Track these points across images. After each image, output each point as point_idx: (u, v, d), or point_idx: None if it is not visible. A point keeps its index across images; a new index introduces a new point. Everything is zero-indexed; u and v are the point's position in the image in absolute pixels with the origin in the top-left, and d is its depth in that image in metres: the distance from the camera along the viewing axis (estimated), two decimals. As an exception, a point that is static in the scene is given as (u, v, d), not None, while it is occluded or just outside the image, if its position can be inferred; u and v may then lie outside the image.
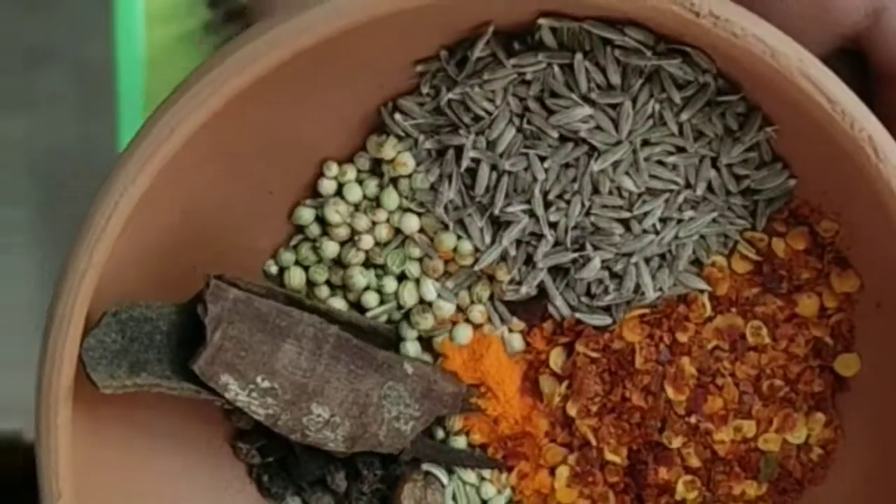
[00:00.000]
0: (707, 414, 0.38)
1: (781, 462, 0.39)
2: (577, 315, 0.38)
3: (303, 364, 0.36)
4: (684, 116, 0.35)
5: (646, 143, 0.36)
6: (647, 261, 0.37)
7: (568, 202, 0.36)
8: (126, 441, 0.37)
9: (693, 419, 0.38)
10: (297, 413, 0.36)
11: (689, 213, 0.37)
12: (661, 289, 0.37)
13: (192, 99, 0.33)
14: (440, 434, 0.40)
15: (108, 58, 0.63)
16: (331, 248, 0.39)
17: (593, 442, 0.39)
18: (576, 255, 0.37)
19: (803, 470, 0.39)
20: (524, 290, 0.38)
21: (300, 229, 0.39)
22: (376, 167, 0.38)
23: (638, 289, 0.37)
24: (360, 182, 0.38)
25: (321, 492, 0.40)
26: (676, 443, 0.38)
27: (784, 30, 0.34)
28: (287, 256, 0.39)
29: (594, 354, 0.38)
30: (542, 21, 0.34)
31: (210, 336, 0.34)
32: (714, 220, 0.37)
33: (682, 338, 0.38)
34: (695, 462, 0.38)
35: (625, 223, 0.37)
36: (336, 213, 0.38)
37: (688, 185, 0.36)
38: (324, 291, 0.39)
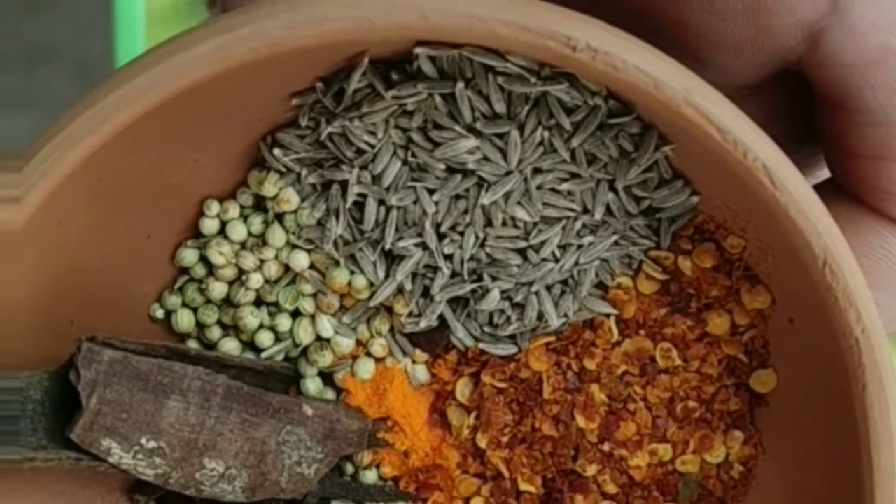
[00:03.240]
0: (620, 440, 0.37)
1: (702, 482, 0.37)
2: (481, 345, 0.36)
3: (191, 419, 0.34)
4: (575, 142, 0.33)
5: (537, 171, 0.34)
6: (549, 288, 0.35)
7: (461, 234, 0.35)
8: (10, 496, 0.35)
9: (606, 446, 0.37)
10: (190, 469, 0.35)
11: (588, 239, 0.35)
12: (565, 315, 0.36)
13: (58, 148, 0.30)
14: (349, 469, 0.38)
15: (107, 58, 0.63)
16: (218, 289, 0.37)
17: (505, 473, 0.37)
18: (474, 286, 0.35)
19: (724, 488, 0.38)
20: (424, 322, 0.36)
21: (185, 270, 0.37)
22: (261, 202, 0.36)
23: (541, 317, 0.36)
24: (244, 218, 0.36)
25: (227, 538, 0.38)
26: (591, 471, 0.37)
27: (722, 53, 0.32)
28: (173, 300, 0.37)
29: (501, 385, 0.37)
30: (418, 50, 0.32)
31: (85, 402, 0.33)
32: (616, 243, 0.35)
33: (590, 364, 0.36)
34: (612, 488, 0.37)
35: (522, 253, 0.35)
36: (219, 254, 0.36)
37: (585, 211, 0.34)
38: (215, 333, 0.37)
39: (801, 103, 0.35)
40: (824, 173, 0.37)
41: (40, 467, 0.33)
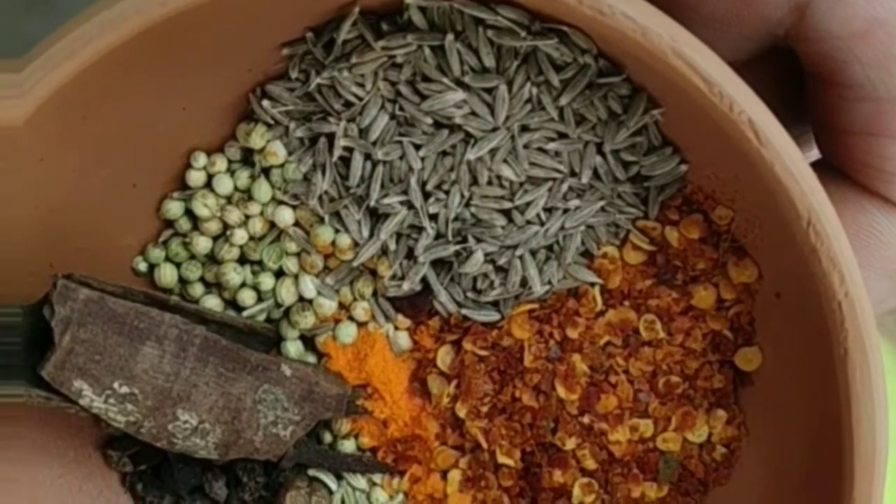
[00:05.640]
0: (601, 413, 0.36)
1: (683, 462, 0.37)
2: (464, 311, 0.36)
3: (165, 368, 0.34)
4: (564, 100, 0.33)
5: (524, 129, 0.34)
6: (533, 253, 0.35)
7: (447, 192, 0.34)
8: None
9: (586, 419, 0.36)
10: (162, 420, 0.34)
11: (574, 203, 0.34)
12: (549, 282, 0.35)
13: (37, 70, 0.30)
14: (328, 438, 0.38)
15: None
16: (202, 244, 0.36)
17: (484, 444, 0.37)
18: (458, 247, 0.35)
19: (706, 470, 0.37)
20: (406, 285, 0.36)
21: (170, 224, 0.37)
22: (248, 157, 0.36)
23: (525, 283, 0.35)
24: (231, 173, 0.36)
25: (200, 500, 0.38)
26: (570, 444, 0.36)
27: (708, 26, 0.32)
28: (156, 253, 0.37)
29: (482, 352, 0.36)
30: (409, 0, 0.32)
31: (58, 339, 0.32)
32: (603, 209, 0.35)
33: (573, 334, 0.36)
34: (591, 464, 0.36)
35: (507, 214, 0.35)
36: (204, 206, 0.36)
37: (572, 173, 0.34)
38: (198, 289, 0.37)
39: (790, 80, 0.35)
40: (814, 155, 0.36)
41: (8, 403, 0.32)
